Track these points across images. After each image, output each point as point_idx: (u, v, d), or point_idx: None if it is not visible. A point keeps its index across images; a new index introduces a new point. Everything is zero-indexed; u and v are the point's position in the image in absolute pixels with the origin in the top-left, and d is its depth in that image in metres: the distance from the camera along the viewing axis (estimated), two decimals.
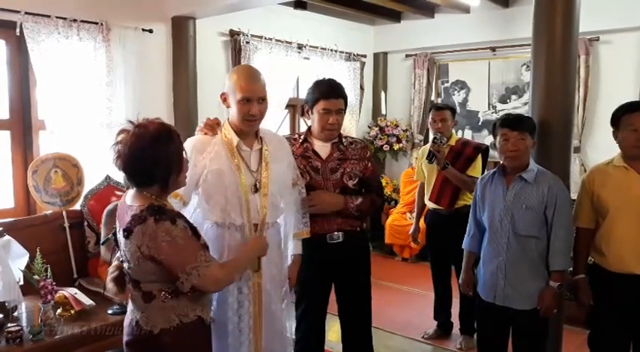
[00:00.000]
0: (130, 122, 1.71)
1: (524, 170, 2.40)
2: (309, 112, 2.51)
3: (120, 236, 1.74)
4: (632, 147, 2.32)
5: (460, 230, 2.75)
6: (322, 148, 2.54)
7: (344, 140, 2.59)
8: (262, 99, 2.11)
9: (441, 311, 3.78)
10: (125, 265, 1.76)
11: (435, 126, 3.59)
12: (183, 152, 1.77)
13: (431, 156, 3.42)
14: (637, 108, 2.32)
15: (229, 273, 1.81)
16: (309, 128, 2.59)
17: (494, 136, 2.50)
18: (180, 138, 1.76)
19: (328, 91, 2.45)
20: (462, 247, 2.70)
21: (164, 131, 1.70)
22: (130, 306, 1.83)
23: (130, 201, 1.74)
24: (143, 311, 1.74)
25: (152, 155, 1.66)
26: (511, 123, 2.40)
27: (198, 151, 2.11)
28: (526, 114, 2.61)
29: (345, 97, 2.52)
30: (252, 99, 2.07)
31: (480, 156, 3.51)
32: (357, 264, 2.64)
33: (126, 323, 1.84)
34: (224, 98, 2.15)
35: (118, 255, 1.86)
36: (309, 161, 2.51)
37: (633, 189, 2.33)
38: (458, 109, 5.92)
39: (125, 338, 1.82)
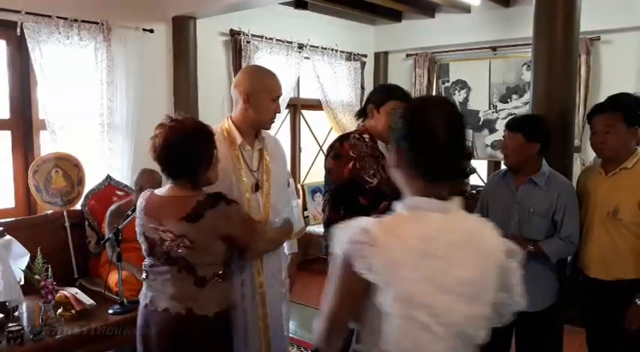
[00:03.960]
0: (169, 117, 1.86)
1: (535, 173, 2.37)
2: (374, 112, 2.47)
3: (165, 226, 1.81)
4: (593, 149, 2.35)
5: None
6: (383, 148, 2.49)
7: None
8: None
9: None
10: (181, 251, 1.80)
11: None
12: (214, 151, 1.89)
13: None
14: (595, 111, 2.31)
15: (275, 237, 2.15)
16: (366, 128, 2.51)
17: None
18: (213, 136, 1.90)
19: (399, 94, 2.45)
20: None
21: (196, 128, 1.86)
22: (165, 302, 1.84)
23: (169, 192, 1.87)
24: (195, 298, 1.82)
25: (181, 148, 1.80)
26: (508, 122, 2.42)
27: None
28: (533, 115, 2.60)
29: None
30: (280, 96, 2.21)
31: None
32: None
33: (161, 319, 1.84)
34: (247, 98, 2.14)
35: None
36: (379, 161, 2.45)
37: (599, 191, 2.33)
38: (459, 108, 5.90)
39: (168, 333, 1.82)
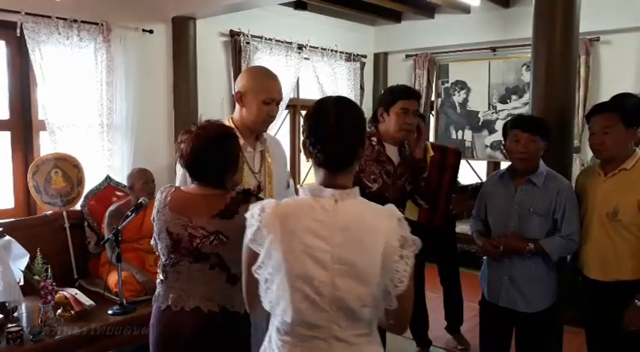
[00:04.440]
0: (193, 124, 1.87)
1: (533, 173, 2.37)
2: (384, 115, 2.45)
3: (196, 223, 1.79)
4: (592, 150, 2.34)
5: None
6: (393, 153, 2.49)
7: (406, 146, 2.55)
8: (280, 102, 2.22)
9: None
10: (217, 248, 1.79)
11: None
12: (239, 153, 1.90)
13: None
14: (594, 112, 2.30)
15: None
16: (378, 131, 2.50)
17: (505, 137, 2.47)
18: (237, 140, 1.90)
19: (407, 93, 2.45)
20: (470, 231, 2.66)
21: (220, 132, 1.86)
22: (194, 300, 1.80)
23: (198, 190, 1.86)
24: (228, 295, 1.82)
25: (207, 154, 1.81)
26: (523, 124, 2.37)
27: None
28: (532, 115, 2.60)
29: (419, 100, 2.52)
30: (275, 100, 2.15)
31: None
32: None
33: (192, 319, 1.80)
34: (239, 97, 2.14)
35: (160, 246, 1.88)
36: (384, 166, 2.45)
37: (597, 192, 2.31)
38: (458, 109, 5.93)
39: (202, 331, 1.80)
